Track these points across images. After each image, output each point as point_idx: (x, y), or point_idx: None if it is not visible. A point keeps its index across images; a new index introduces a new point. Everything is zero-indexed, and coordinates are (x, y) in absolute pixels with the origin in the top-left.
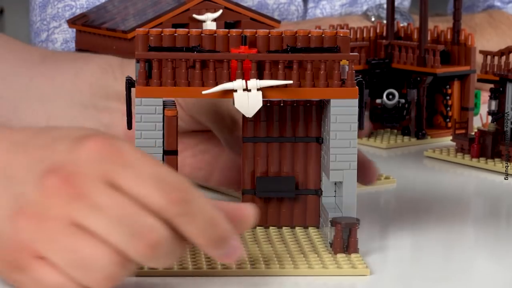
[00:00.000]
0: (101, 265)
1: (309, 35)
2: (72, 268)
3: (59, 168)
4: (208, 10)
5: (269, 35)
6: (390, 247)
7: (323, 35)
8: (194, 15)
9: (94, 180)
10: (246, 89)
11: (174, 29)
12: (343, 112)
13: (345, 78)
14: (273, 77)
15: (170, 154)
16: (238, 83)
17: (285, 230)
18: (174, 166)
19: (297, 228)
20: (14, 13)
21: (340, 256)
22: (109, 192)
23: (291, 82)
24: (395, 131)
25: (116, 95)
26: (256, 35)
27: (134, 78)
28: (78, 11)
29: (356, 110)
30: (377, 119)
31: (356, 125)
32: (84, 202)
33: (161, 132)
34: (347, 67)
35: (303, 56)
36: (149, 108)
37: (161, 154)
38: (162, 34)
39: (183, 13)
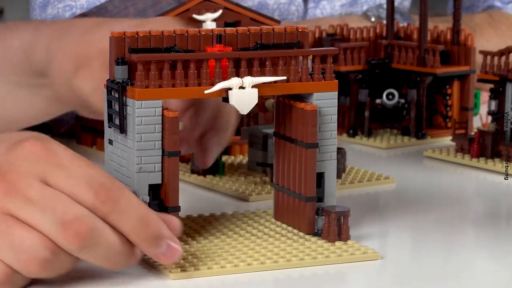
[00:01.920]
0: (30, 246)
1: (273, 31)
2: (3, 250)
3: None
4: (208, 10)
5: (236, 33)
6: (389, 247)
7: (284, 31)
8: (194, 15)
9: (28, 177)
10: (241, 87)
11: (148, 30)
12: (325, 104)
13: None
14: (261, 74)
15: (171, 156)
16: (235, 81)
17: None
18: (176, 167)
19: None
20: (14, 13)
21: (341, 244)
22: (41, 186)
23: (284, 78)
24: (395, 131)
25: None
26: (224, 33)
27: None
28: (78, 12)
29: (336, 102)
30: (377, 119)
31: (336, 117)
32: (18, 195)
33: (161, 134)
34: (310, 62)
35: (289, 52)
36: (149, 111)
37: (161, 156)
38: (137, 36)
39: (183, 13)
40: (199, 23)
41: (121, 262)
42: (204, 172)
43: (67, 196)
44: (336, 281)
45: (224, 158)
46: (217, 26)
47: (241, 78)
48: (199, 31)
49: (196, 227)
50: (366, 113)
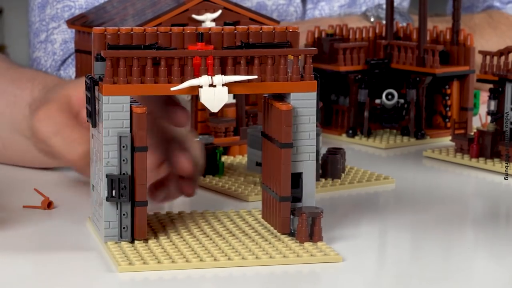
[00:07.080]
0: None
1: (261, 31)
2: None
3: None
4: (207, 10)
5: (222, 31)
6: (389, 247)
7: (273, 31)
8: (193, 16)
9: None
10: (212, 85)
11: (130, 27)
12: (303, 105)
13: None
14: (235, 72)
15: (139, 151)
16: (204, 79)
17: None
18: (144, 162)
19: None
20: (13, 13)
21: (309, 245)
22: None
23: (255, 77)
24: (394, 131)
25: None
26: (210, 32)
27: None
28: (77, 12)
29: (315, 103)
30: (376, 119)
31: (315, 117)
32: None
33: (128, 129)
34: (291, 62)
35: (264, 52)
36: (117, 106)
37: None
38: (119, 32)
39: (182, 14)
40: (199, 23)
41: None
42: (203, 172)
43: None
44: (335, 280)
45: (223, 158)
46: (216, 26)
47: (212, 76)
48: (183, 29)
49: (169, 223)
50: (366, 113)
